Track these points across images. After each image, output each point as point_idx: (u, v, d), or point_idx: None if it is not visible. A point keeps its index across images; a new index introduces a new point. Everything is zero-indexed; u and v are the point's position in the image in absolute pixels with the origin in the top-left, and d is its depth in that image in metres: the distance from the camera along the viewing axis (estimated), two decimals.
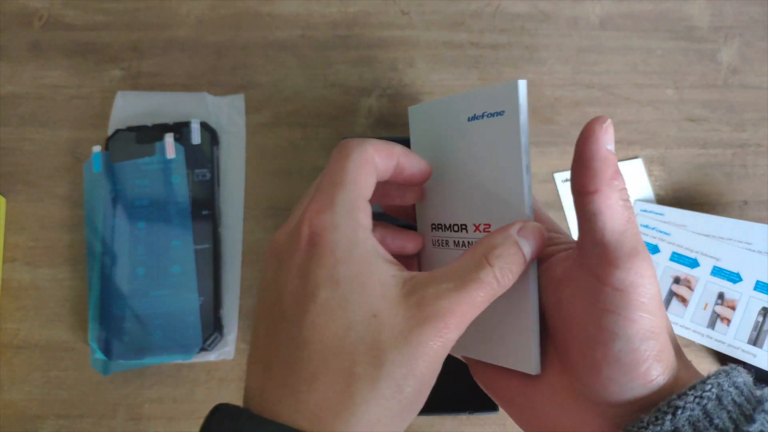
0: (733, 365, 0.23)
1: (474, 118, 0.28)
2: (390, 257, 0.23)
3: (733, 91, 0.57)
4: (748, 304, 0.48)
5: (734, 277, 0.49)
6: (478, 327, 0.26)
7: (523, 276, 0.24)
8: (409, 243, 0.29)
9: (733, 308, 0.48)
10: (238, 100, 0.55)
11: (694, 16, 0.59)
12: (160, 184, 0.51)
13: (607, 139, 0.22)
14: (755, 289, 0.48)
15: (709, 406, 0.21)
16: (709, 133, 0.56)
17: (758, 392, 0.22)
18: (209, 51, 0.57)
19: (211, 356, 0.49)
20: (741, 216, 0.53)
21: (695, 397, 0.21)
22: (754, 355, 0.46)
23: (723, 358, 0.49)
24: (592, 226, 0.22)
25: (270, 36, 0.58)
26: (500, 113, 0.26)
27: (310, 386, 0.20)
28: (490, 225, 0.27)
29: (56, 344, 0.49)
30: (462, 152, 0.28)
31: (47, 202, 0.53)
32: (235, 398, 0.36)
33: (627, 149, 0.55)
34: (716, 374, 0.22)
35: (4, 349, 0.49)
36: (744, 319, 0.47)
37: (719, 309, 0.48)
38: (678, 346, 0.24)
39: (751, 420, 0.20)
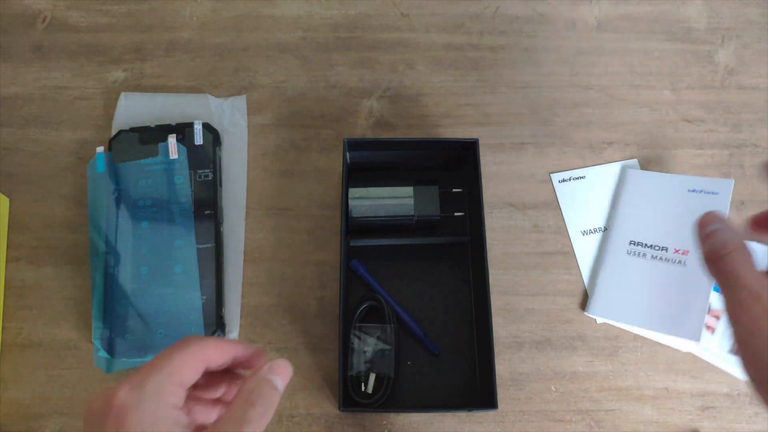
0: None
1: (693, 190, 0.50)
2: (187, 423, 0.28)
3: (730, 92, 0.57)
4: None
5: (717, 288, 0.50)
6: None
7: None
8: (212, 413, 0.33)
9: (717, 318, 0.49)
10: (240, 102, 0.56)
11: (691, 18, 0.60)
12: (163, 185, 0.51)
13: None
14: None
15: None
16: (706, 133, 0.56)
17: None
18: (211, 53, 0.58)
19: None
20: (739, 216, 0.53)
21: None
22: (734, 365, 0.48)
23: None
24: None
25: (271, 38, 0.59)
26: (716, 193, 0.50)
27: None
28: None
29: (59, 343, 0.50)
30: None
31: (51, 202, 0.53)
32: None
33: (624, 150, 0.55)
34: None
35: (8, 347, 0.49)
36: (727, 328, 0.48)
37: (705, 318, 0.49)
38: None
39: None
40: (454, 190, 0.51)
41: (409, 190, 0.49)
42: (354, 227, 0.49)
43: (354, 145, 0.49)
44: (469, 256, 0.50)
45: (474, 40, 0.59)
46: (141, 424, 0.26)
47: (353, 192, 0.48)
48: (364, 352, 0.45)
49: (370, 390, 0.45)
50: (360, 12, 0.59)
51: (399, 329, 0.48)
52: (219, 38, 0.58)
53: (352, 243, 0.49)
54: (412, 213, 0.49)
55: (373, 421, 0.47)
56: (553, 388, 0.49)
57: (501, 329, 0.49)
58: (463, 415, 0.47)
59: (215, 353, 0.30)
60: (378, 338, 0.45)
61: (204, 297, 0.49)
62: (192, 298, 0.48)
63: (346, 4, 0.60)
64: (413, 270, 0.50)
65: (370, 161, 0.51)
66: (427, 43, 0.59)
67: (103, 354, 0.47)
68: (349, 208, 0.48)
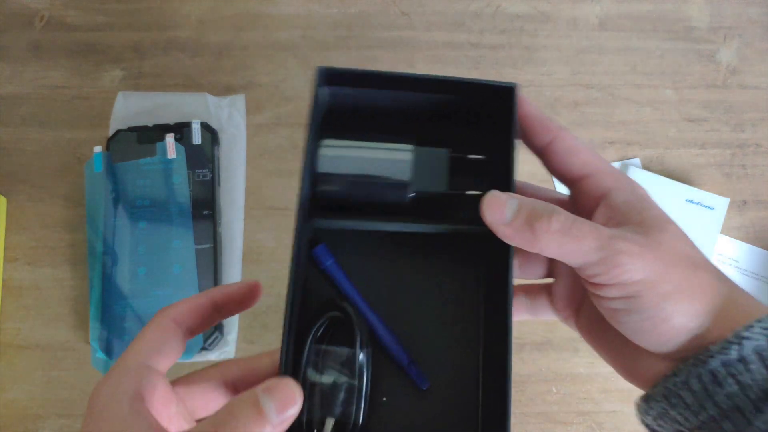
0: None
1: (690, 201, 0.50)
2: (151, 420, 0.23)
3: (732, 92, 0.57)
4: None
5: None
6: None
7: None
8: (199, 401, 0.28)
9: None
10: (238, 101, 0.55)
11: (693, 17, 0.59)
12: (161, 184, 0.51)
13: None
14: None
15: None
16: (708, 133, 0.56)
17: None
18: (210, 51, 0.57)
19: (211, 356, 0.49)
20: (741, 215, 0.53)
21: (763, 328, 0.22)
22: None
23: None
24: None
25: (270, 36, 0.58)
26: (712, 208, 0.50)
27: None
28: None
29: (57, 344, 0.49)
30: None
31: (48, 202, 0.53)
32: None
33: (626, 149, 0.55)
34: None
35: (6, 348, 0.49)
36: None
37: None
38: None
39: None
40: (470, 156, 0.34)
41: (406, 152, 0.32)
42: (323, 201, 0.32)
43: (332, 77, 0.31)
44: (488, 254, 0.33)
45: (474, 39, 0.58)
46: (100, 416, 0.23)
47: (328, 144, 0.31)
48: (321, 386, 0.30)
49: None
50: (360, 10, 0.59)
51: (374, 353, 0.32)
52: (217, 37, 0.58)
53: (319, 224, 0.32)
54: (406, 183, 0.31)
55: None
56: (554, 390, 0.48)
57: None
58: None
59: (181, 307, 0.26)
60: (341, 367, 0.31)
61: None
62: None
63: (345, 3, 0.59)
64: (403, 269, 0.34)
65: (356, 105, 0.33)
66: (427, 41, 0.58)
67: (100, 355, 0.47)
68: (318, 163, 0.31)
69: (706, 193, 0.52)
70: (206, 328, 0.27)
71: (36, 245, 0.52)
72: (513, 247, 0.27)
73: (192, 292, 0.48)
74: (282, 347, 0.26)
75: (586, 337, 0.30)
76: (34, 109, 0.55)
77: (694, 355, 0.23)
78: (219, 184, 0.52)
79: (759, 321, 0.22)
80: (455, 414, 0.32)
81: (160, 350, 0.25)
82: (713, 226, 0.51)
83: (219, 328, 0.48)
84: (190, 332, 0.26)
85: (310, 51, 0.58)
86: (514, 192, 0.27)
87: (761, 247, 0.52)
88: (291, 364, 0.28)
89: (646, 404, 0.25)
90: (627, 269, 0.23)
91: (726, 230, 0.52)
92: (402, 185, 0.31)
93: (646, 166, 0.54)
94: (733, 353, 0.22)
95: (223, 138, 0.54)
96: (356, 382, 0.30)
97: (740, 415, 0.22)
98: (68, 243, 0.52)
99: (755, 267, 0.51)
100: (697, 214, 0.51)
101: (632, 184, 0.27)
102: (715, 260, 0.51)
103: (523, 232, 0.25)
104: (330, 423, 0.30)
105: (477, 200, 0.29)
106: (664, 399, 0.24)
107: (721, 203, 0.51)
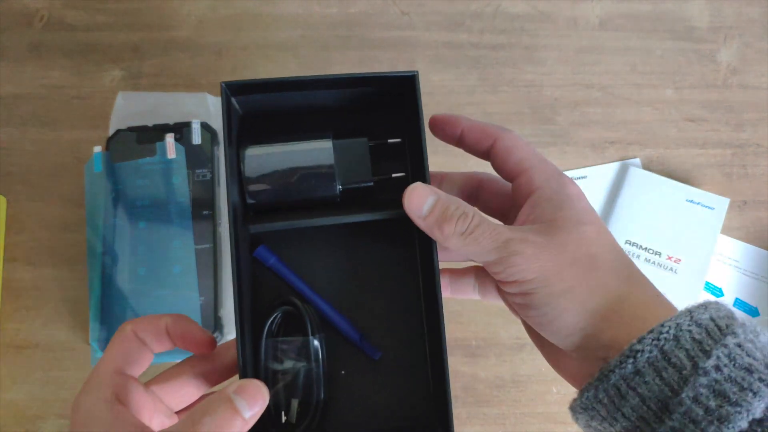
0: (708, 301, 0.24)
1: (691, 201, 0.50)
2: (134, 421, 0.25)
3: (733, 92, 0.57)
4: None
5: (717, 292, 0.50)
6: None
7: None
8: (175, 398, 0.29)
9: None
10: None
11: (693, 17, 0.59)
12: (161, 184, 0.51)
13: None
14: (733, 305, 0.50)
15: (666, 346, 0.22)
16: (708, 133, 0.56)
17: (726, 325, 0.23)
18: (210, 51, 0.57)
19: None
20: (741, 215, 0.53)
21: (653, 339, 0.23)
22: None
23: None
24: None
25: (270, 36, 0.58)
26: (712, 208, 0.50)
27: None
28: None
29: (57, 344, 0.49)
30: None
31: (48, 202, 0.53)
32: None
33: (626, 149, 0.55)
34: (678, 315, 0.23)
35: (5, 348, 0.49)
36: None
37: None
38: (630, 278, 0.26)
39: (708, 356, 0.22)
40: (389, 141, 0.36)
41: (327, 147, 0.33)
42: (256, 207, 0.34)
43: (239, 89, 0.32)
44: (416, 232, 0.33)
45: (475, 39, 0.58)
46: (80, 425, 0.25)
47: (251, 152, 0.33)
48: (282, 374, 0.33)
49: (293, 419, 0.33)
50: (359, 10, 0.59)
51: (329, 336, 0.35)
52: (217, 37, 0.58)
53: (254, 229, 0.34)
54: (333, 177, 0.33)
55: None
56: (554, 390, 0.48)
57: (502, 330, 0.49)
58: (463, 416, 0.47)
59: (142, 323, 0.28)
60: (298, 355, 0.34)
61: (202, 298, 0.48)
62: (190, 299, 0.48)
63: (345, 3, 0.59)
64: (341, 256, 0.36)
65: (271, 111, 0.35)
66: (427, 41, 0.58)
67: (100, 355, 0.47)
68: (245, 171, 0.33)
69: (707, 193, 0.52)
70: (164, 348, 0.29)
71: (36, 245, 0.52)
72: None
73: (192, 292, 0.48)
74: (238, 350, 0.28)
75: (525, 329, 0.31)
76: (34, 109, 0.55)
77: (600, 370, 0.24)
78: (219, 184, 0.52)
79: (650, 332, 0.23)
80: (408, 378, 0.35)
81: (129, 358, 0.27)
82: (713, 226, 0.51)
83: (219, 328, 0.48)
84: (151, 348, 0.28)
85: (310, 51, 0.58)
86: (427, 174, 0.30)
87: (761, 247, 0.52)
88: (251, 361, 0.31)
89: (573, 415, 0.26)
90: (520, 269, 0.25)
91: (726, 230, 0.52)
92: (330, 179, 0.33)
93: (647, 166, 0.54)
94: (629, 367, 0.23)
95: (223, 138, 0.54)
96: (314, 366, 0.33)
97: (647, 426, 0.22)
98: (68, 243, 0.52)
99: (755, 267, 0.51)
100: (697, 214, 0.51)
101: (562, 183, 0.28)
102: (715, 260, 0.51)
103: (432, 229, 0.27)
104: (295, 404, 0.33)
105: (402, 182, 0.31)
106: (584, 411, 0.25)
107: (721, 203, 0.51)
